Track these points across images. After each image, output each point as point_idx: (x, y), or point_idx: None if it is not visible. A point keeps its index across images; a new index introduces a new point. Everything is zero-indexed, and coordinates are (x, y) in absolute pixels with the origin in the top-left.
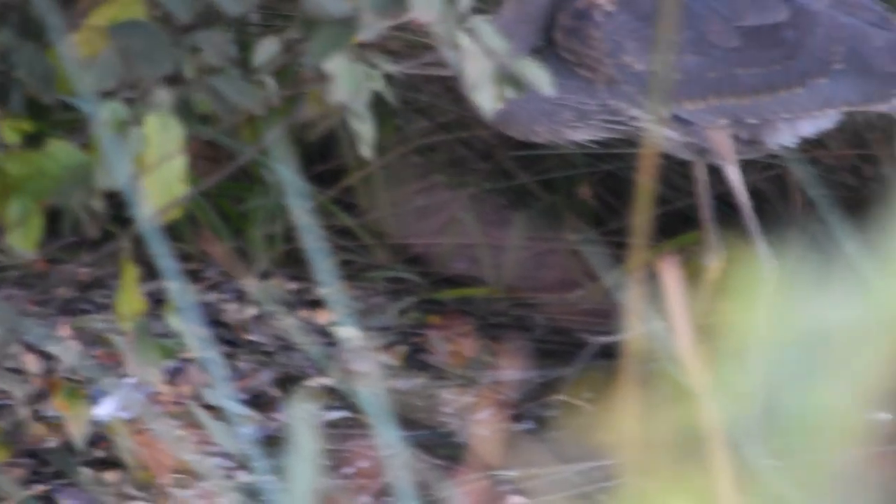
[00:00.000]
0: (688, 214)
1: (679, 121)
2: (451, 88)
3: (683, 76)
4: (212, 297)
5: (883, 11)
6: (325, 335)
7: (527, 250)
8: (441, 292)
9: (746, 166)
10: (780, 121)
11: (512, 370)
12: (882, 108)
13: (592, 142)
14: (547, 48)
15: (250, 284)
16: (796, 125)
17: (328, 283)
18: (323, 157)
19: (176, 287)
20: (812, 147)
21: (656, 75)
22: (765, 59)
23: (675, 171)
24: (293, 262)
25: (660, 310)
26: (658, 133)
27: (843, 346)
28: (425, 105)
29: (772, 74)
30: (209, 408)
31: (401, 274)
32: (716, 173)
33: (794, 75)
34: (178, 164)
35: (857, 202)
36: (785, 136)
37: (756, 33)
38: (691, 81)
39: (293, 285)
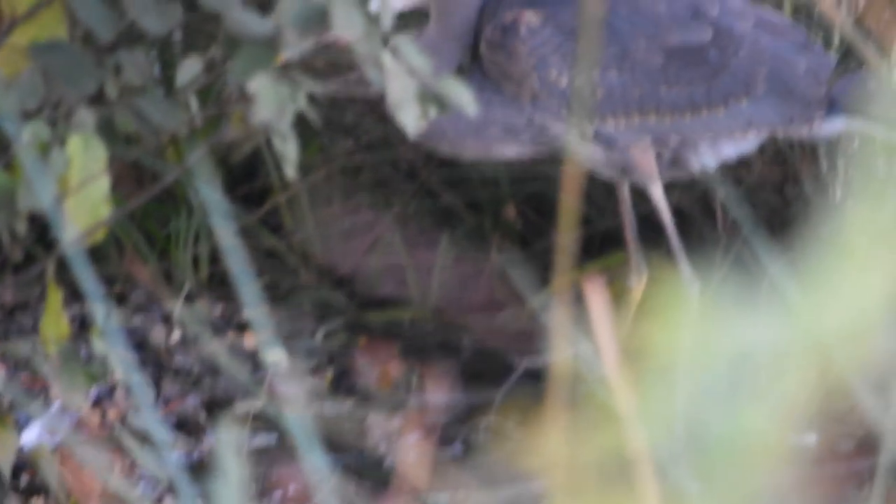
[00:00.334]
0: (614, 234)
1: (601, 138)
2: (375, 108)
3: (606, 93)
4: (138, 320)
5: (805, 35)
6: (252, 359)
7: (453, 271)
8: (368, 314)
9: (670, 185)
10: (702, 141)
11: (439, 393)
12: (803, 131)
13: (519, 160)
14: (473, 63)
15: (176, 307)
16: (718, 146)
17: (254, 305)
18: (248, 177)
19: (101, 310)
20: (736, 167)
21: (579, 91)
22: (688, 78)
23: (600, 191)
24: (219, 285)
25: (586, 331)
26: (581, 150)
27: (766, 368)
28: (350, 125)
29: (694, 94)
30: (136, 433)
31: (327, 296)
32: (641, 193)
33: (716, 96)
34: (101, 186)
35: (780, 222)
36: (707, 157)
37: (680, 52)
38: (614, 98)
39: (220, 308)
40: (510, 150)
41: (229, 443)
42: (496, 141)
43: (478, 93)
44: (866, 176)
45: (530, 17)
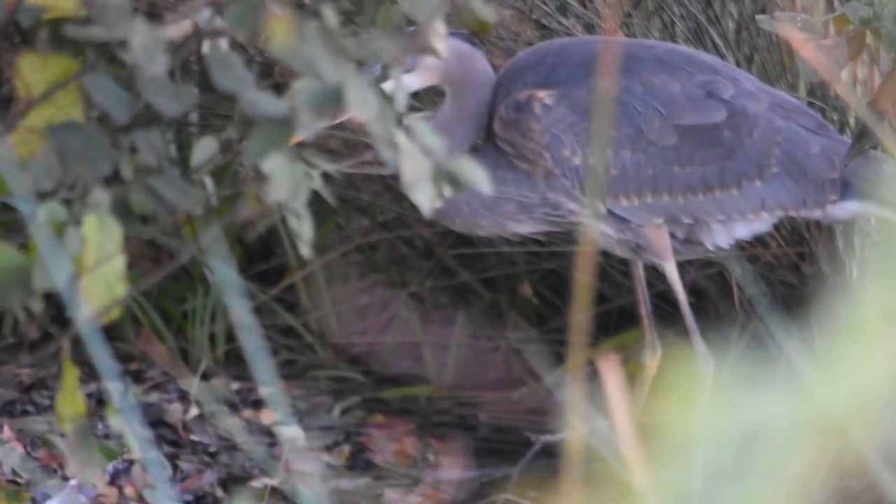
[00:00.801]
0: (631, 312)
1: (614, 217)
2: (390, 187)
3: (620, 172)
4: (154, 397)
5: (819, 118)
6: (269, 435)
7: (469, 349)
8: (384, 391)
9: (686, 263)
10: (714, 221)
11: (455, 469)
12: (816, 214)
13: (534, 238)
14: (487, 141)
15: (192, 384)
16: (731, 227)
17: (269, 382)
18: (264, 256)
19: (116, 388)
20: (751, 245)
21: (593, 170)
22: (701, 158)
23: (616, 269)
24: (236, 362)
25: (601, 408)
26: (594, 228)
27: (777, 445)
28: (366, 203)
29: (707, 174)
30: None
31: (344, 373)
32: (656, 271)
33: (729, 176)
34: (117, 264)
35: (797, 300)
36: (720, 236)
37: (694, 132)
38: (627, 177)
39: (236, 385)
40: (524, 228)
41: None
42: (510, 218)
43: (492, 170)
44: (882, 255)
45: (544, 96)
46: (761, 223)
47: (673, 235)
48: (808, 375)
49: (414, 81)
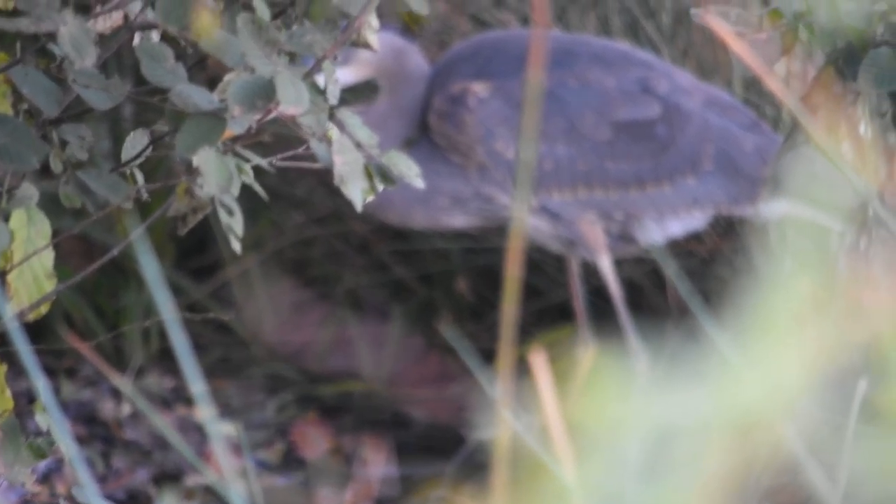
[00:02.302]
0: (566, 308)
1: (547, 211)
2: (325, 182)
3: (553, 166)
4: (87, 394)
5: (753, 115)
6: (203, 432)
7: (404, 345)
8: (318, 388)
9: (621, 259)
10: (647, 217)
11: (390, 466)
12: (748, 211)
13: (470, 234)
14: (422, 134)
15: (125, 381)
16: (664, 223)
17: (196, 379)
18: (199, 251)
19: (43, 385)
20: (686, 240)
21: (525, 163)
22: (635, 153)
23: (551, 265)
24: (170, 358)
25: (532, 405)
26: (528, 223)
27: (694, 442)
28: (300, 199)
29: (641, 170)
30: None
31: (278, 370)
32: (593, 266)
33: (662, 172)
34: (45, 260)
35: (730, 295)
36: (654, 233)
37: (628, 127)
38: (560, 171)
39: (170, 382)
40: (458, 221)
41: None
42: (443, 211)
43: (426, 163)
44: (799, 249)
45: (479, 89)
46: (694, 220)
47: (607, 230)
48: (730, 371)
49: (348, 75)
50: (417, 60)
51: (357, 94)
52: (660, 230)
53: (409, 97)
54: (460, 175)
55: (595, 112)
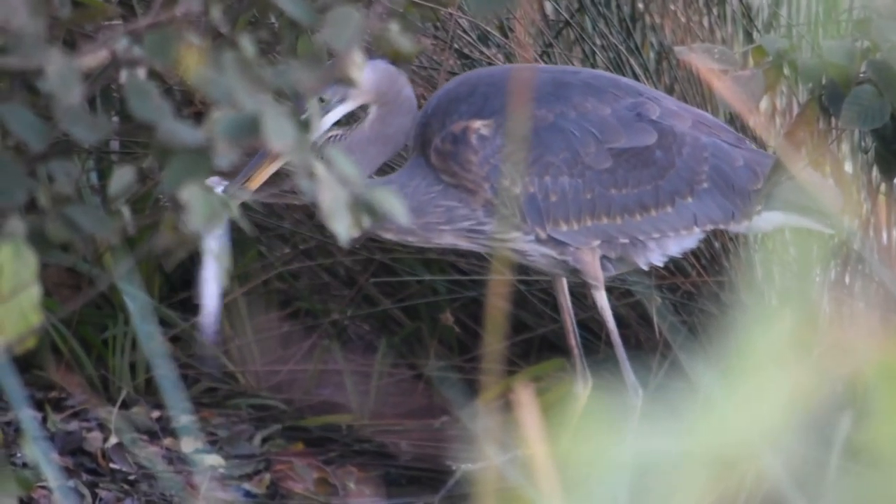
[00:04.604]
0: (551, 340)
1: (554, 240)
2: (312, 215)
3: (559, 197)
4: (74, 425)
5: (736, 133)
6: (189, 464)
7: (390, 377)
8: (305, 419)
9: (607, 291)
10: (650, 240)
11: (376, 498)
12: (743, 226)
13: (456, 266)
14: (419, 153)
15: (111, 413)
16: (664, 244)
17: (182, 411)
18: (186, 284)
19: (29, 417)
20: (671, 273)
21: (532, 197)
22: (636, 179)
23: (537, 297)
24: (156, 390)
25: (518, 437)
26: (533, 252)
27: (678, 476)
28: (287, 232)
29: (643, 194)
30: None
31: (265, 401)
32: (577, 299)
33: (663, 195)
34: (32, 294)
35: (715, 329)
36: (654, 254)
37: (627, 154)
38: (567, 202)
39: (157, 413)
40: (446, 239)
41: None
42: (435, 227)
43: (422, 176)
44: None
45: (480, 126)
46: (692, 239)
47: (606, 257)
48: (714, 406)
49: (347, 108)
50: (409, 92)
51: (350, 116)
52: (659, 251)
53: (395, 126)
54: (455, 196)
55: (596, 141)
